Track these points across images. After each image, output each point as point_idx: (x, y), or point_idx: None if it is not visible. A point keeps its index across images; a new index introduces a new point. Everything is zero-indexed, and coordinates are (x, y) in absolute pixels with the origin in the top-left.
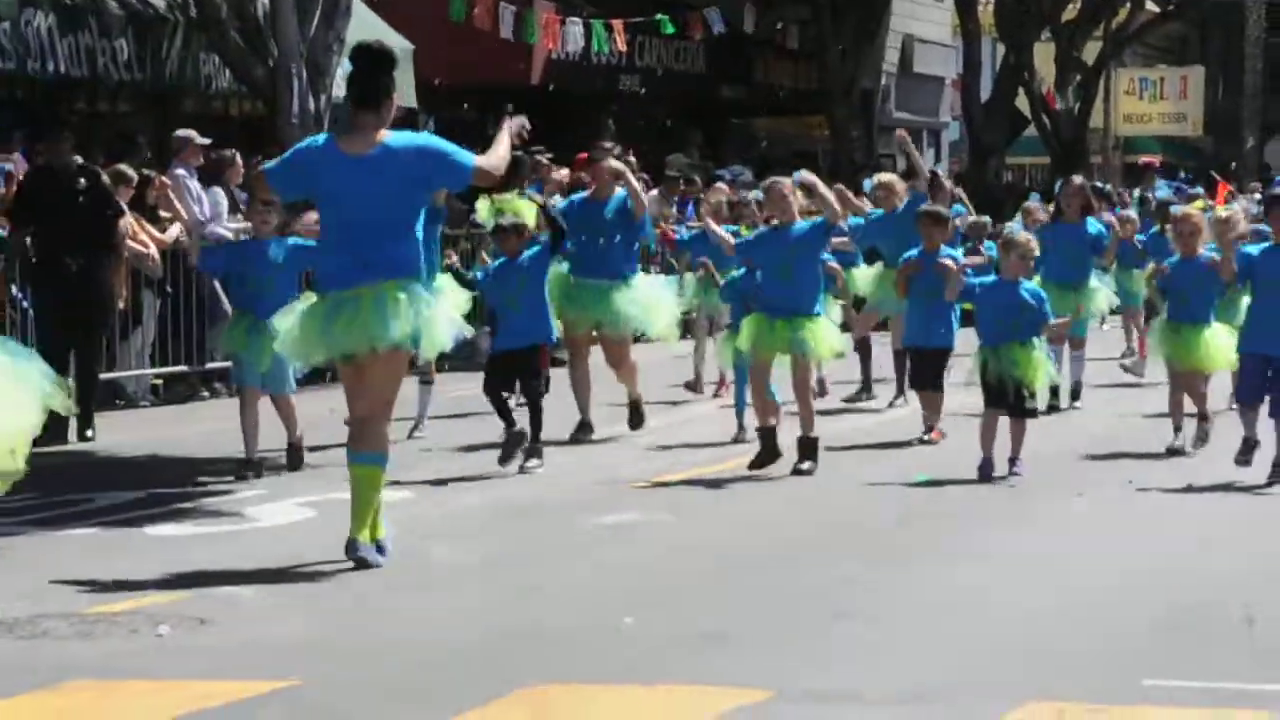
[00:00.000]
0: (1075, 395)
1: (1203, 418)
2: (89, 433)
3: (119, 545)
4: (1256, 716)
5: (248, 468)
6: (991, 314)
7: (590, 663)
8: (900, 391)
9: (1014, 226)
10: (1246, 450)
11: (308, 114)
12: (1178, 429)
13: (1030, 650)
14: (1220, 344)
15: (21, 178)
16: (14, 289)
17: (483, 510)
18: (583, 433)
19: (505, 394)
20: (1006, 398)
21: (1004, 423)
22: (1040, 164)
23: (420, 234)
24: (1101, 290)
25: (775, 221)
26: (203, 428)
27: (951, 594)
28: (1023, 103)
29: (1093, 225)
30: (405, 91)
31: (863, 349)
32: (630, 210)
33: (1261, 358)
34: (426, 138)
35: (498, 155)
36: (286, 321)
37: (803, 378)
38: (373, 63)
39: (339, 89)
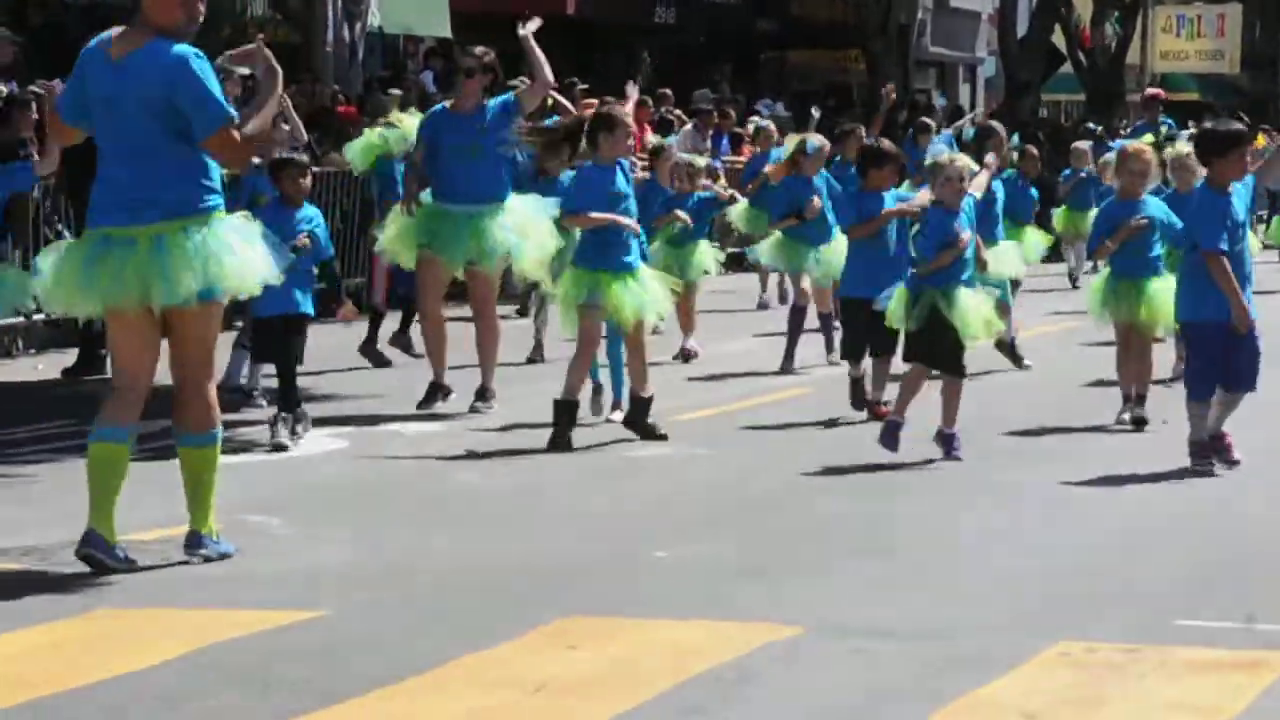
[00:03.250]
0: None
1: (1139, 397)
2: None
3: (150, 474)
4: None
5: None
6: (928, 250)
7: (621, 596)
8: (831, 348)
9: (939, 146)
10: (1203, 455)
11: (343, 42)
12: (1128, 398)
13: (1060, 590)
14: (1168, 300)
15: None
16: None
17: (514, 442)
18: (437, 397)
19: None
20: (933, 350)
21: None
22: (1076, 101)
23: (202, 154)
24: (1011, 251)
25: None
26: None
27: (981, 533)
28: (1059, 39)
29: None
30: (439, 21)
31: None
32: (508, 115)
33: (1214, 327)
34: (193, 62)
35: (259, 126)
36: (48, 261)
37: (636, 333)
38: None
39: (374, 17)
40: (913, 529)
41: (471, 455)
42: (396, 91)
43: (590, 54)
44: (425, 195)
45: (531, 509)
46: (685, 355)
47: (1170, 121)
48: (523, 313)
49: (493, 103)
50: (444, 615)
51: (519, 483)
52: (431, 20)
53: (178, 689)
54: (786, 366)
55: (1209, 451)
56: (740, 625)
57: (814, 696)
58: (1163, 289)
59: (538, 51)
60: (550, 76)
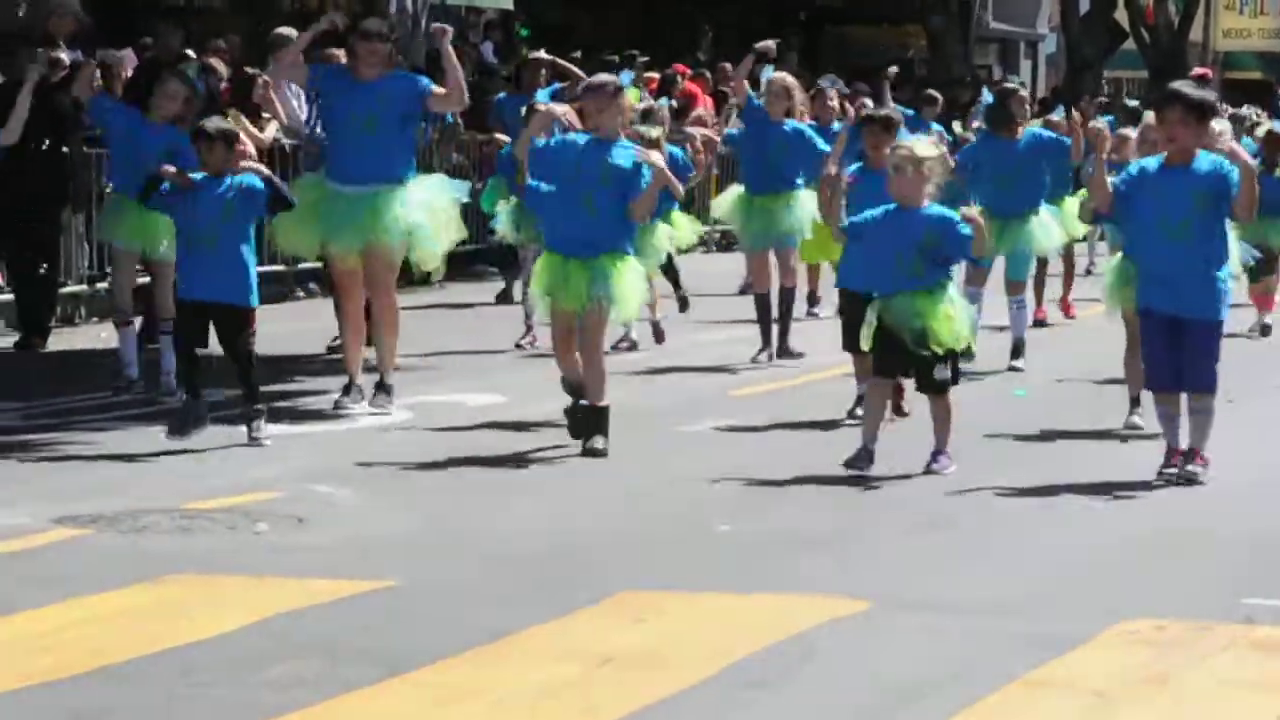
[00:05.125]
0: (1016, 353)
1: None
2: None
3: (216, 443)
4: None
5: None
6: (886, 253)
7: (686, 569)
8: (766, 343)
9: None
10: (1176, 461)
11: (405, 12)
12: (1136, 400)
13: (1126, 567)
14: None
15: (130, 72)
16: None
17: None
18: (348, 397)
19: (198, 349)
20: (899, 363)
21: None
22: (1138, 78)
23: None
24: (1049, 224)
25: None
26: (297, 326)
27: (1048, 510)
28: (1122, 16)
29: (1031, 136)
30: None
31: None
32: (418, 96)
33: (1165, 320)
34: None
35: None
36: None
37: (595, 333)
38: None
39: None
40: (974, 506)
41: (535, 428)
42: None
43: (652, 27)
44: (322, 173)
45: (593, 482)
46: (655, 334)
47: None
48: (503, 299)
49: (400, 75)
50: (511, 586)
51: (581, 456)
52: None
53: (246, 657)
54: (784, 350)
55: (1173, 457)
56: (806, 599)
57: (881, 671)
58: None
59: (453, 58)
60: (464, 94)
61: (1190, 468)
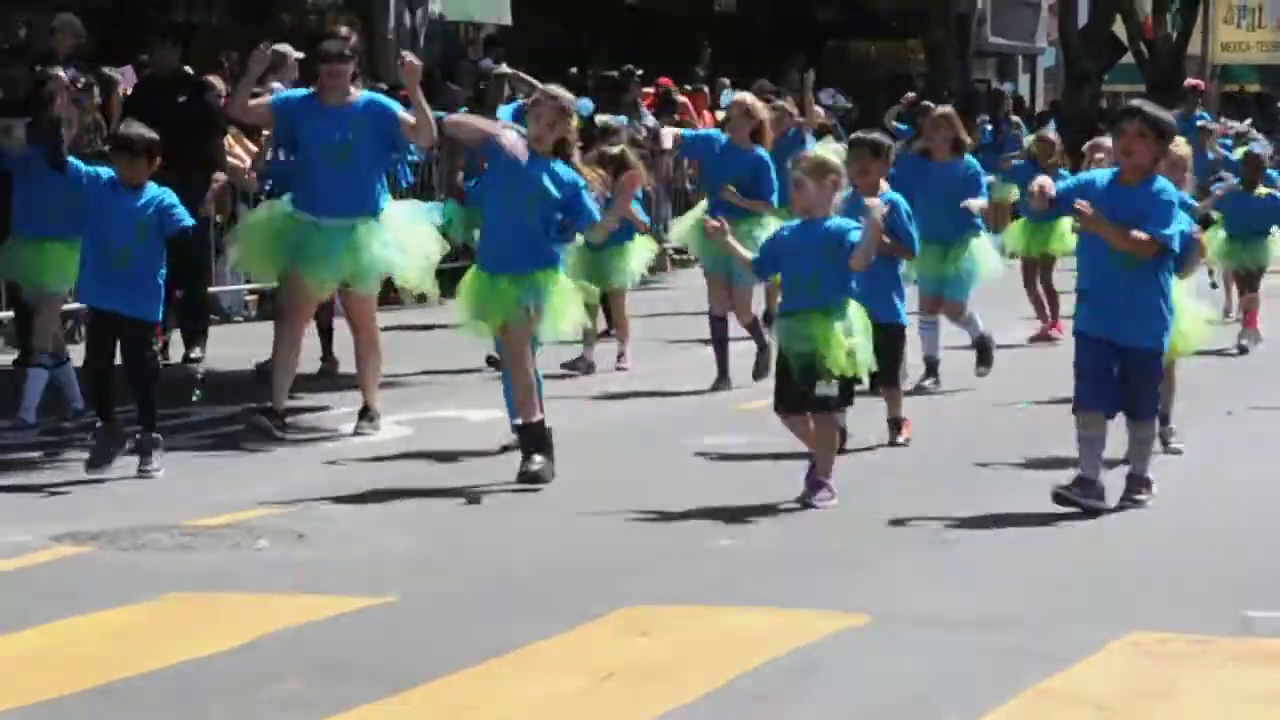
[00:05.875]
0: (983, 358)
1: (1162, 419)
2: (196, 352)
3: (217, 460)
4: None
5: None
6: (789, 270)
7: (688, 584)
8: (723, 374)
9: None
10: (1088, 491)
11: (404, 29)
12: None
13: (1129, 581)
14: (1189, 324)
15: (129, 89)
16: None
17: (581, 429)
18: (268, 423)
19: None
20: (794, 393)
21: None
22: (1136, 92)
23: None
24: (987, 251)
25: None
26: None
27: (1048, 524)
28: (1120, 30)
29: (968, 165)
30: (501, 7)
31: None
32: (390, 121)
33: (1103, 343)
34: None
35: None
36: None
37: (519, 345)
38: None
39: (436, 5)
40: (975, 523)
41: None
42: None
43: (649, 42)
44: (286, 202)
45: (595, 497)
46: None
47: (1207, 115)
48: None
49: (369, 98)
50: (512, 602)
51: (582, 471)
52: (493, 6)
53: (247, 674)
54: (721, 384)
55: (1094, 491)
56: (808, 613)
57: (884, 686)
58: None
59: (419, 97)
60: (433, 129)
61: (1138, 496)
